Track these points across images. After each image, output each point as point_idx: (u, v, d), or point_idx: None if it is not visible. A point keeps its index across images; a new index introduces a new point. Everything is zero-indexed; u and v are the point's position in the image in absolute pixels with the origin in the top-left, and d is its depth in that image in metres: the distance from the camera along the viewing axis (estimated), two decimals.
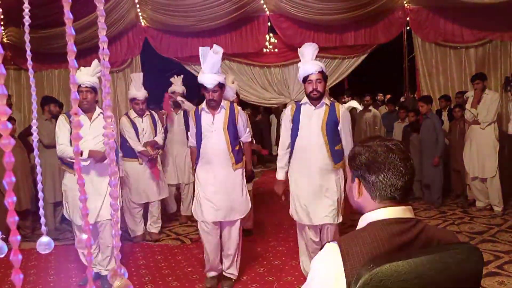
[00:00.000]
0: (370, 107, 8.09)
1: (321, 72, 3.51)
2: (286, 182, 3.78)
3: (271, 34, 7.62)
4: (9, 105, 6.02)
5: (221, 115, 3.64)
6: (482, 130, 5.59)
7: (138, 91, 5.08)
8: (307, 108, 3.58)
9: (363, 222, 1.29)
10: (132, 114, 5.20)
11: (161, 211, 5.50)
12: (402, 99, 9.38)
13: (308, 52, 3.63)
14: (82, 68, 3.93)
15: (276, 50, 7.69)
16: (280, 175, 3.76)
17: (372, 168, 1.27)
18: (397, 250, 1.17)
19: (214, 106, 3.64)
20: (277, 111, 11.06)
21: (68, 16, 0.42)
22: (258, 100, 8.13)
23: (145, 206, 5.32)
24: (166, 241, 5.19)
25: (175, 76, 5.93)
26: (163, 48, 7.71)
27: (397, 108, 8.17)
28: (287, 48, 7.66)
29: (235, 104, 3.78)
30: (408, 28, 7.36)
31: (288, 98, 7.80)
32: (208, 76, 3.55)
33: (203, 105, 3.71)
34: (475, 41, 6.84)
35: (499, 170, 5.58)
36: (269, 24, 7.44)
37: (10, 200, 0.38)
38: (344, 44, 7.34)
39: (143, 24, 7.59)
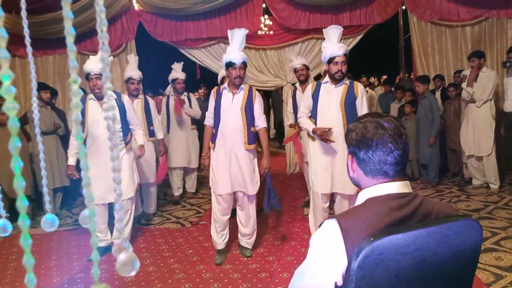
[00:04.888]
0: (367, 88, 8.07)
1: (345, 55, 3.69)
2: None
3: (266, 16, 7.55)
4: None
5: (240, 96, 3.85)
6: (478, 108, 5.59)
7: (134, 71, 5.18)
8: (327, 87, 3.79)
9: (361, 198, 1.30)
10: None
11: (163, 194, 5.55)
12: (397, 80, 9.36)
13: (334, 33, 3.77)
14: (91, 57, 4.07)
15: (271, 32, 7.63)
16: (310, 125, 3.80)
17: (361, 144, 1.29)
18: (397, 224, 1.18)
19: (238, 84, 3.82)
20: (276, 95, 11.02)
21: None
22: (254, 84, 8.06)
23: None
24: (166, 224, 5.22)
25: (175, 62, 5.92)
26: (158, 32, 7.63)
27: (393, 89, 8.16)
28: (282, 30, 7.60)
29: (254, 88, 3.97)
30: (403, 7, 7.30)
31: (284, 81, 7.77)
32: (236, 53, 3.75)
33: (225, 84, 3.93)
34: (471, 19, 6.80)
35: (495, 148, 5.61)
36: (264, 5, 7.36)
37: (17, 165, 0.38)
38: (339, 25, 7.24)
39: (136, 8, 7.49)
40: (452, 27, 6.96)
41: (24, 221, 0.38)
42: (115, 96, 4.05)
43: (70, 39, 0.47)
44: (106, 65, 0.52)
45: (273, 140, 12.24)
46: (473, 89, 5.53)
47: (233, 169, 3.85)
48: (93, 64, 3.93)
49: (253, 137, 3.88)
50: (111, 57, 4.19)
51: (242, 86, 3.87)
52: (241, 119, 3.81)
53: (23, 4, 0.58)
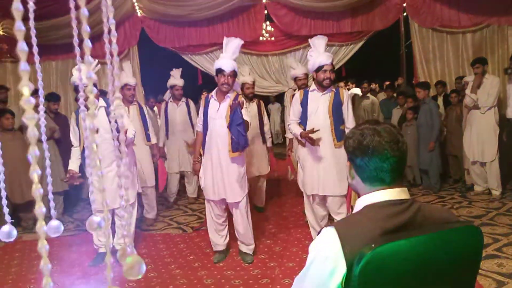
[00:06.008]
0: (368, 94, 8.10)
1: (332, 63, 3.95)
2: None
3: (267, 23, 7.59)
4: (6, 98, 6.00)
5: (225, 104, 3.91)
6: (482, 114, 5.58)
7: (130, 78, 5.22)
8: (314, 94, 3.99)
9: (359, 205, 1.31)
10: None
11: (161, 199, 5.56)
12: (397, 83, 9.39)
13: (320, 43, 3.96)
14: (80, 66, 3.93)
15: (273, 38, 7.67)
16: (298, 130, 3.95)
17: (358, 151, 1.30)
18: (395, 231, 1.19)
19: (225, 91, 3.90)
20: (281, 96, 10.98)
21: None
22: (256, 89, 8.08)
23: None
24: (167, 230, 5.23)
25: (174, 69, 5.95)
26: (160, 38, 7.68)
27: (395, 94, 8.19)
28: (284, 36, 7.63)
29: (240, 95, 4.01)
30: (405, 14, 7.34)
31: (286, 87, 7.79)
32: (226, 61, 3.85)
33: (213, 92, 4.02)
34: (472, 26, 6.82)
35: (498, 154, 5.61)
36: (265, 12, 7.40)
37: (35, 173, 0.39)
38: (341, 31, 7.31)
39: (139, 14, 7.55)
40: (453, 34, 6.99)
41: (41, 227, 0.39)
42: (123, 105, 4.00)
43: (87, 52, 0.48)
44: (116, 75, 0.53)
45: (277, 145, 12.21)
46: (477, 96, 5.53)
47: (218, 176, 3.94)
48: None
49: (238, 146, 3.92)
50: (99, 65, 4.07)
51: (228, 94, 3.94)
52: (225, 127, 3.88)
53: (31, 14, 0.59)
